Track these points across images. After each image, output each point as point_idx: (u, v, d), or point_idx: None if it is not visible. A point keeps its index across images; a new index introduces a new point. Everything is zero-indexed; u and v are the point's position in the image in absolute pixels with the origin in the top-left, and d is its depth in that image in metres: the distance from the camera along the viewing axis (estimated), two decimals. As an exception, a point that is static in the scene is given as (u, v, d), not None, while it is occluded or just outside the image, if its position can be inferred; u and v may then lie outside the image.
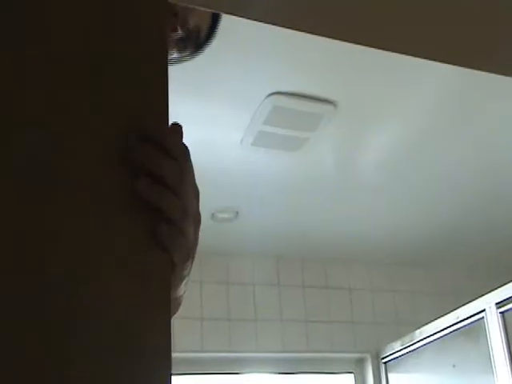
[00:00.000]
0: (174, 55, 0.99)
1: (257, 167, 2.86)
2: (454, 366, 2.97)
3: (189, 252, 0.62)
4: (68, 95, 0.54)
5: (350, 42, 0.90)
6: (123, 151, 0.55)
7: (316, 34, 0.86)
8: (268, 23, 0.86)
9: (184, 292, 0.74)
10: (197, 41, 1.01)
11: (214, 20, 1.01)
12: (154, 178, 0.56)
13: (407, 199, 3.27)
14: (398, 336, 3.42)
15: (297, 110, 2.47)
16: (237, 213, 3.21)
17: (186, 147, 0.62)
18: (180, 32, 0.95)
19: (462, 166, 3.03)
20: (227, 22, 0.98)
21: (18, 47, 0.54)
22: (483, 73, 1.03)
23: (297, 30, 0.85)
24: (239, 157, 2.75)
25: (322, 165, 2.91)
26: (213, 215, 3.17)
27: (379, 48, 0.91)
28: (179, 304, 0.76)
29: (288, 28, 0.86)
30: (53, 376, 0.48)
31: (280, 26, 0.86)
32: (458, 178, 3.12)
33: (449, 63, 0.98)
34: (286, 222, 3.33)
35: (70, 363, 0.48)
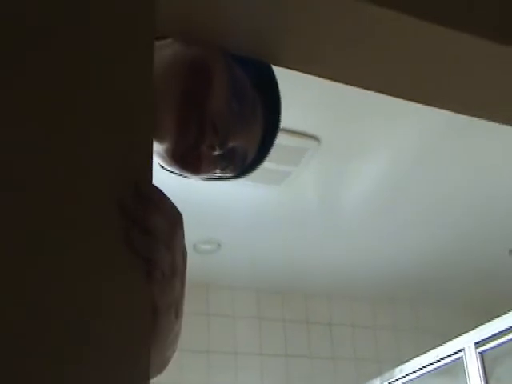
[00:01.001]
0: (217, 172, 0.92)
1: (240, 199, 2.89)
2: (433, 404, 2.98)
3: (173, 302, 0.68)
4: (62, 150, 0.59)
5: (340, 82, 0.95)
6: (120, 205, 0.60)
7: (311, 74, 0.92)
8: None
9: (172, 352, 0.79)
10: (243, 164, 0.93)
11: (263, 148, 0.94)
12: (147, 232, 0.61)
13: (391, 236, 3.30)
14: (378, 373, 3.42)
15: (280, 145, 2.50)
16: (219, 245, 3.23)
17: (179, 213, 0.67)
18: (218, 151, 0.87)
19: (446, 205, 3.08)
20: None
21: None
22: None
23: (288, 68, 0.91)
24: (222, 189, 2.78)
25: (305, 199, 2.94)
26: (195, 246, 3.18)
27: (365, 88, 0.98)
28: (165, 365, 0.80)
29: (283, 67, 0.92)
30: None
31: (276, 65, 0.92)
32: (442, 216, 3.16)
33: (429, 105, 1.04)
34: (267, 256, 3.35)
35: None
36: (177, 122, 0.85)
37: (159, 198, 0.65)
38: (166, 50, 0.90)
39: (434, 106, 1.02)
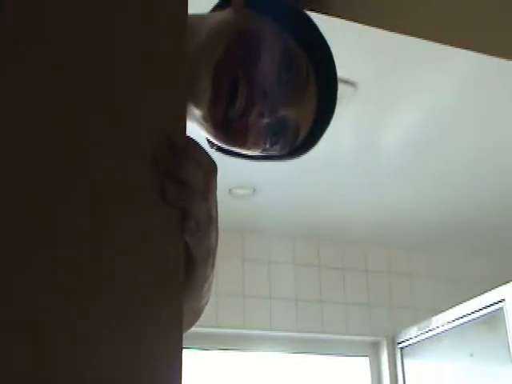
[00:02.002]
0: (266, 147, 0.87)
1: (276, 144, 2.86)
2: (471, 354, 2.99)
3: (209, 251, 0.70)
4: (93, 103, 0.59)
5: (377, 27, 0.97)
6: (153, 157, 0.60)
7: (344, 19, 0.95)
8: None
9: (206, 302, 0.79)
10: (294, 141, 0.88)
11: (317, 125, 0.90)
12: (182, 183, 0.62)
13: (429, 182, 3.26)
14: (415, 321, 3.44)
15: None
16: (254, 190, 3.23)
17: (214, 162, 0.67)
18: (267, 118, 0.83)
19: (487, 153, 3.02)
20: None
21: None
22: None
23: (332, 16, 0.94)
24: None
25: (342, 146, 2.91)
26: (230, 191, 3.19)
27: (406, 34, 0.99)
28: (200, 314, 0.81)
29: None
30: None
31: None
32: (482, 165, 3.11)
33: (469, 49, 1.03)
34: (303, 202, 3.35)
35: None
36: (224, 86, 0.81)
37: (193, 149, 0.64)
38: (214, 17, 0.88)
39: (479, 51, 1.03)
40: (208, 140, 0.90)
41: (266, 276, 3.60)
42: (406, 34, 0.99)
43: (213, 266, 0.72)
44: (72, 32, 0.59)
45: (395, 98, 2.64)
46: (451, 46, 1.03)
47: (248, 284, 3.55)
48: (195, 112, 0.84)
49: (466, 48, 1.02)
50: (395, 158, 3.04)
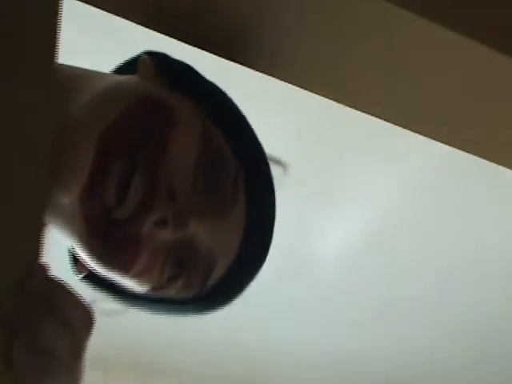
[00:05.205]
0: (162, 283, 0.64)
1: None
2: None
3: None
4: None
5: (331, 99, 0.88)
6: None
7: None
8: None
9: None
10: (204, 280, 0.65)
11: (239, 267, 0.66)
12: (37, 351, 0.48)
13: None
14: None
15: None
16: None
17: (90, 314, 0.51)
18: (170, 229, 0.61)
19: (418, 267, 2.83)
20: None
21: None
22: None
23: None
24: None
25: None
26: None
27: (356, 108, 0.91)
28: None
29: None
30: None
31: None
32: (414, 277, 2.89)
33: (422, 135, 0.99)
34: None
35: None
36: (109, 168, 0.59)
37: (60, 297, 0.50)
38: (112, 77, 0.70)
39: (425, 136, 0.98)
40: (73, 258, 0.68)
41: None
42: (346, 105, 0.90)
43: None
44: None
45: (324, 188, 2.43)
46: (411, 131, 0.95)
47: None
48: (62, 200, 0.60)
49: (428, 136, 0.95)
50: (329, 267, 2.76)
